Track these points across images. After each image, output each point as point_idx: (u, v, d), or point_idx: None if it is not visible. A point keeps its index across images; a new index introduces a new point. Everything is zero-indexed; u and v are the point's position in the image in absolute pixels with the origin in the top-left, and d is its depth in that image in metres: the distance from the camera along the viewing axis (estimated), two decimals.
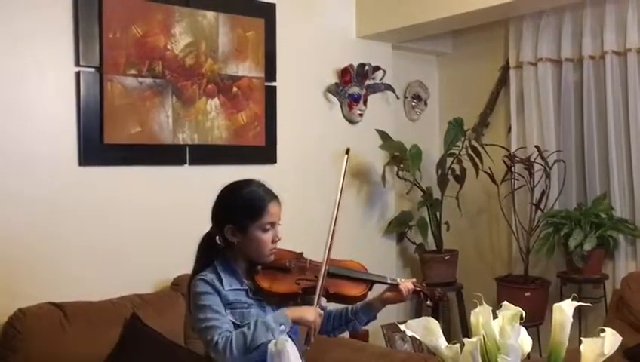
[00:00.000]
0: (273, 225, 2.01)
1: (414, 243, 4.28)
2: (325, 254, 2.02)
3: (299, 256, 2.11)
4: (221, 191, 2.05)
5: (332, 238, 2.04)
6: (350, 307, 2.16)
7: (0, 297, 2.69)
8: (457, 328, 4.25)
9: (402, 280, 2.13)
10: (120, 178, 3.09)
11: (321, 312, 1.95)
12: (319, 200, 3.74)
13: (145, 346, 2.68)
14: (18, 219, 2.81)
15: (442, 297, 2.18)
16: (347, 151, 2.13)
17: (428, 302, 2.18)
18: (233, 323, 1.93)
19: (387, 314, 3.63)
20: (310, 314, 1.93)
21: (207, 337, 1.87)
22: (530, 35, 4.03)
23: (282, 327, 1.86)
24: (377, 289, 2.16)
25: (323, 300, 2.04)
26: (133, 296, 2.90)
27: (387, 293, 2.13)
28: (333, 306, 2.18)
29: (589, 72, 3.79)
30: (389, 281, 2.13)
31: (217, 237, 2.01)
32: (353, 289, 2.08)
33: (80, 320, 2.67)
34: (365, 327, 3.47)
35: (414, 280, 2.17)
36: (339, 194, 2.07)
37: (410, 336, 3.50)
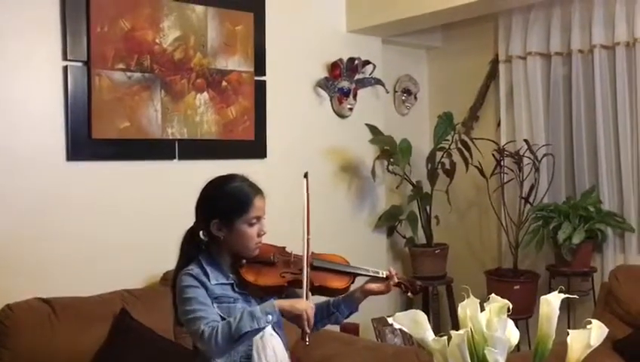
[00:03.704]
0: (259, 219, 2.03)
1: (404, 237, 4.28)
2: (305, 253, 2.03)
3: (282, 250, 2.13)
4: (205, 187, 2.06)
5: (308, 243, 2.05)
6: (332, 300, 2.17)
7: None
8: (447, 322, 4.26)
9: (383, 272, 2.15)
10: (108, 173, 3.08)
11: (312, 305, 1.93)
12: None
13: (134, 341, 2.67)
14: (5, 214, 2.79)
15: (422, 289, 2.20)
16: (305, 175, 2.12)
17: (409, 294, 2.21)
18: (220, 316, 1.93)
19: (377, 308, 3.67)
20: (301, 303, 1.92)
21: (193, 328, 1.88)
22: (520, 29, 4.04)
23: (269, 317, 1.85)
24: (358, 282, 2.18)
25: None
26: (123, 291, 2.88)
27: (369, 284, 2.15)
28: (314, 300, 2.19)
29: (578, 66, 3.80)
30: (371, 273, 2.15)
31: (201, 232, 2.02)
32: (337, 282, 2.10)
33: (69, 315, 2.66)
34: (356, 321, 3.51)
35: (396, 272, 2.18)
36: (305, 216, 2.06)
37: (400, 330, 3.52)
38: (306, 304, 1.92)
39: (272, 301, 1.92)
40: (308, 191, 2.09)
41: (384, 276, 2.13)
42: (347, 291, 2.13)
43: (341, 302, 2.15)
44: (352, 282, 2.13)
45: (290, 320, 1.94)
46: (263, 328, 1.87)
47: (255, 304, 2.01)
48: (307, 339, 1.91)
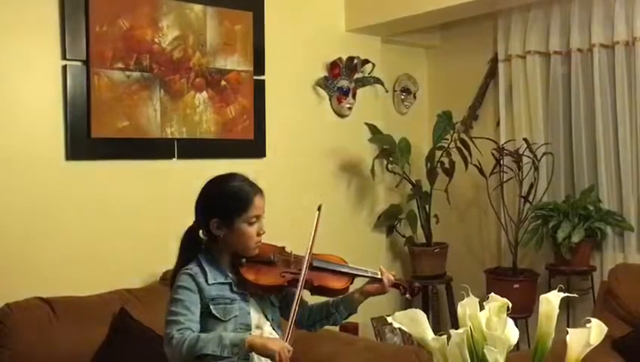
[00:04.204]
0: (258, 218, 2.03)
1: (404, 237, 4.28)
2: (307, 255, 2.03)
3: (281, 250, 2.13)
4: (205, 186, 2.06)
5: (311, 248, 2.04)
6: (331, 300, 2.17)
7: None
8: (447, 321, 4.26)
9: (381, 273, 2.14)
10: (108, 172, 3.08)
11: (290, 348, 1.85)
12: (308, 194, 3.74)
13: (134, 341, 2.67)
14: (5, 214, 2.79)
15: (420, 290, 2.19)
16: (319, 208, 2.08)
17: (407, 295, 2.21)
18: (215, 317, 1.93)
19: (377, 308, 3.67)
20: (275, 344, 1.84)
21: (166, 330, 1.88)
22: (519, 28, 4.04)
23: (235, 350, 1.82)
24: (357, 283, 2.17)
25: (306, 293, 2.05)
26: (122, 291, 2.88)
27: (368, 286, 2.14)
28: (313, 300, 2.19)
29: (577, 65, 3.80)
30: (369, 274, 2.15)
31: (201, 232, 2.02)
32: (337, 282, 2.11)
33: (68, 315, 2.66)
34: (355, 321, 3.51)
35: (393, 273, 2.18)
36: (309, 248, 2.04)
37: (400, 329, 3.52)
38: (281, 345, 1.82)
39: (247, 335, 1.89)
40: (317, 226, 2.07)
41: (380, 277, 2.13)
42: (346, 291, 2.13)
43: (340, 303, 2.15)
44: (351, 282, 2.14)
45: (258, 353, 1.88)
46: (227, 357, 1.83)
47: (254, 303, 2.02)
48: None
